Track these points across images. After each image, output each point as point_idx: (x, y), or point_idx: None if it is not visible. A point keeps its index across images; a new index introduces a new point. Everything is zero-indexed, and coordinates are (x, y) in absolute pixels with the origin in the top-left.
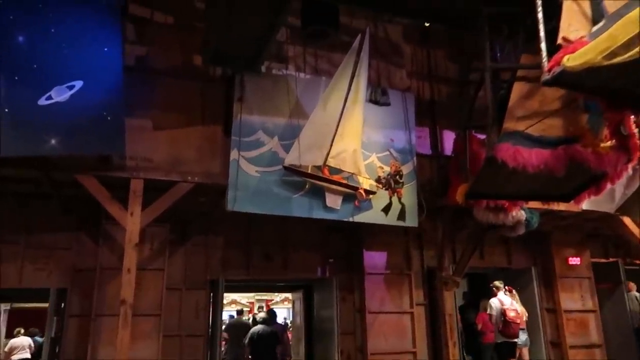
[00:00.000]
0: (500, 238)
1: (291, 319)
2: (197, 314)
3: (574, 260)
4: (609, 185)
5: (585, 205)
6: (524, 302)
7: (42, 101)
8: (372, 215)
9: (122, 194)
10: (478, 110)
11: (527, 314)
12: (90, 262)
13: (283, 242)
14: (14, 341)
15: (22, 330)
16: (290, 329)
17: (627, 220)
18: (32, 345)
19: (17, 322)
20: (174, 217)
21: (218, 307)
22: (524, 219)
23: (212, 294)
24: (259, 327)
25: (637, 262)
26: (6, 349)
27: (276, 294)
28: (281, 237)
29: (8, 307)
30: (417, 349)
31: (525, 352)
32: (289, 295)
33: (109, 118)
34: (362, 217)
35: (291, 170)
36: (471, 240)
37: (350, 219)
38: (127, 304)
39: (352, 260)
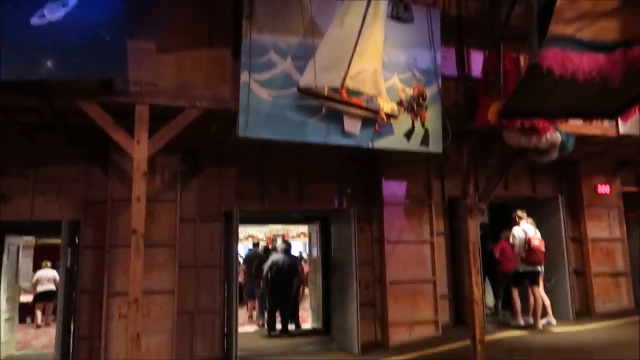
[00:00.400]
0: (525, 166)
1: (307, 251)
2: (212, 245)
3: (603, 189)
4: None
5: (622, 128)
6: (548, 232)
7: (35, 20)
8: (394, 141)
9: (128, 122)
10: (512, 27)
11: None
12: (101, 194)
13: (299, 173)
14: (40, 273)
15: (49, 264)
16: (306, 261)
17: None
18: (57, 277)
19: (43, 257)
20: (184, 148)
21: (233, 238)
22: (559, 141)
23: (226, 226)
24: (278, 256)
25: None
26: (33, 281)
27: (292, 227)
28: (297, 167)
29: (33, 243)
30: (437, 277)
31: (540, 280)
32: (304, 229)
33: (108, 39)
34: (382, 143)
35: (306, 92)
36: (498, 167)
37: (370, 145)
38: (139, 233)
39: (370, 190)
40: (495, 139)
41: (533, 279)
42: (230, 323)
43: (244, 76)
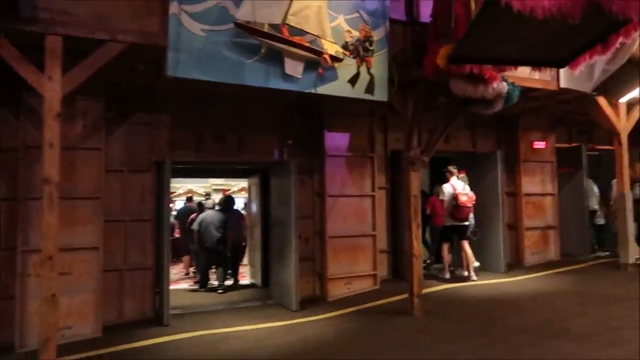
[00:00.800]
0: (466, 121)
1: (248, 205)
2: (143, 198)
3: (539, 145)
4: (619, 42)
5: (563, 82)
6: (486, 187)
7: None
8: (338, 87)
9: (41, 58)
10: None
11: (474, 198)
12: (13, 141)
13: (237, 123)
14: None
15: None
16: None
17: (602, 101)
18: None
19: None
20: (110, 91)
21: (165, 190)
22: (505, 92)
23: (158, 178)
24: (208, 212)
25: (598, 147)
26: None
27: (233, 182)
28: (236, 116)
29: None
30: (377, 232)
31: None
32: (246, 184)
33: None
34: (326, 89)
35: (243, 27)
36: (443, 119)
37: (313, 90)
38: (52, 183)
39: (312, 142)
40: (441, 90)
41: (461, 233)
42: (161, 280)
43: (173, 7)
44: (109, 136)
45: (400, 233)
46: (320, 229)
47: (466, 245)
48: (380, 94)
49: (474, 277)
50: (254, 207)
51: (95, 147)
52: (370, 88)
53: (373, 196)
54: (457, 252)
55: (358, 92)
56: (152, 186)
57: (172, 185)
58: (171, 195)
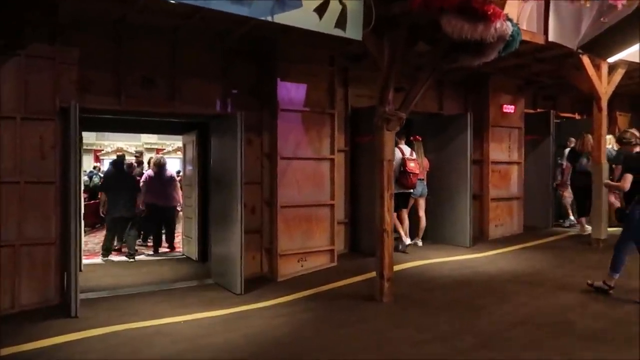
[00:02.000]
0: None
1: (181, 168)
2: (43, 154)
3: (509, 109)
4: None
5: (552, 36)
6: (453, 153)
7: None
8: (301, 17)
9: None
10: None
11: (428, 165)
12: None
13: (170, 65)
14: None
15: None
16: (180, 179)
17: (585, 61)
18: None
19: None
20: (1, 15)
21: (71, 144)
22: (509, 34)
23: (64, 129)
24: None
25: (562, 114)
26: None
27: (168, 142)
28: (168, 56)
29: None
30: (335, 200)
31: (422, 202)
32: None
33: None
34: (285, 18)
35: None
36: (427, 68)
37: (269, 18)
38: None
39: (262, 93)
40: (424, 33)
41: (403, 201)
42: (68, 257)
43: None
44: None
45: (359, 202)
46: (269, 197)
47: (405, 214)
48: (353, 31)
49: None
50: (190, 169)
51: None
52: (341, 21)
53: (332, 160)
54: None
55: (326, 25)
56: (55, 139)
57: (99, 142)
58: (99, 154)
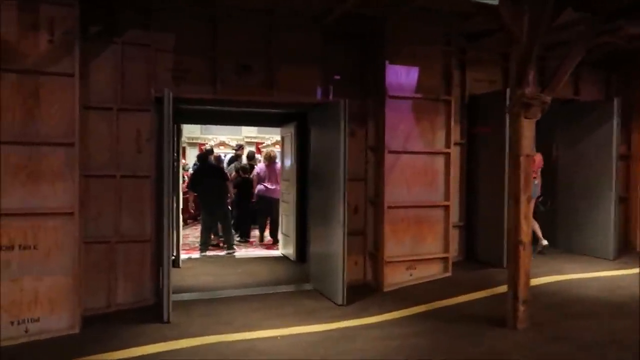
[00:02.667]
0: None
1: (280, 162)
2: (139, 146)
3: None
4: None
5: None
6: (591, 147)
7: None
8: None
9: None
10: None
11: (541, 162)
12: None
13: (267, 50)
14: None
15: None
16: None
17: None
18: None
19: None
20: None
21: (165, 135)
22: None
23: (160, 119)
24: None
25: None
26: None
27: (267, 136)
28: (265, 40)
29: None
30: (451, 201)
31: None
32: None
33: None
34: None
35: None
36: (579, 40)
37: None
38: None
39: (366, 78)
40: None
41: None
42: (162, 257)
43: None
44: (90, 59)
45: (476, 203)
46: (374, 196)
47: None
48: None
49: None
50: (289, 163)
51: (66, 72)
52: None
53: (447, 154)
54: None
55: None
56: (152, 131)
57: (204, 136)
58: (204, 147)
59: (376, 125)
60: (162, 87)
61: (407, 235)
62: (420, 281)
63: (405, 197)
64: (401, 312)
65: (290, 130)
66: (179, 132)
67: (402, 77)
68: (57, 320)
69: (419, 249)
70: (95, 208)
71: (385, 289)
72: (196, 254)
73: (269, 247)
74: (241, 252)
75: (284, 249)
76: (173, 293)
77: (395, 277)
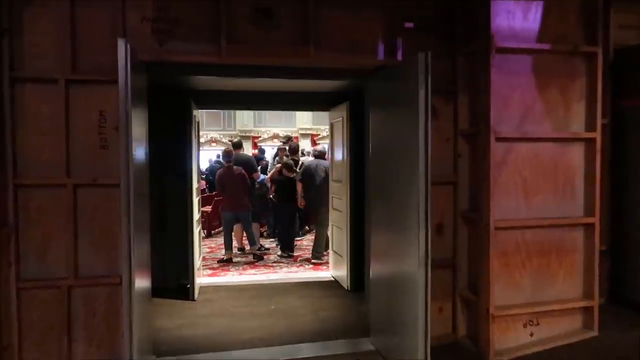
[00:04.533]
0: None
1: (330, 156)
2: (104, 138)
3: None
4: None
5: None
6: None
7: None
8: None
9: None
10: None
11: None
12: None
13: None
14: None
15: None
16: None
17: None
18: None
19: None
20: None
21: (123, 117)
22: None
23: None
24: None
25: None
26: None
27: (323, 127)
28: None
29: None
30: (596, 218)
31: None
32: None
33: None
34: None
35: None
36: None
37: None
38: None
39: (456, 23)
40: None
41: None
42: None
43: None
44: (22, 8)
45: (628, 215)
46: (472, 209)
47: None
48: None
49: None
50: (341, 157)
51: None
52: None
53: (591, 140)
54: None
55: None
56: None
57: (257, 128)
58: (257, 140)
59: (472, 98)
60: (140, 47)
61: (525, 271)
62: (547, 346)
63: (522, 211)
64: None
65: (341, 113)
66: (187, 120)
67: (517, 17)
68: None
69: (544, 294)
70: (36, 235)
71: (492, 358)
72: (223, 276)
73: (317, 264)
74: (281, 272)
75: (335, 269)
76: (166, 356)
77: (507, 339)
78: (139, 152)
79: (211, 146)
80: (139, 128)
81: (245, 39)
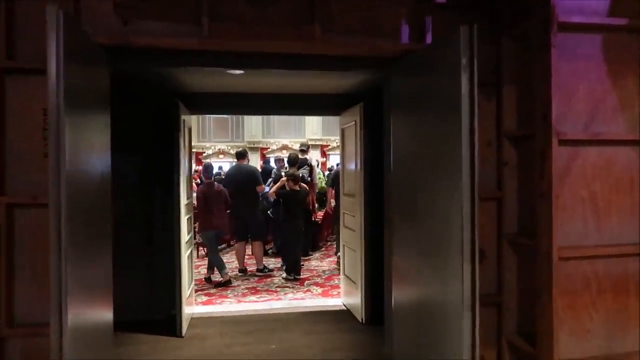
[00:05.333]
0: None
1: (341, 166)
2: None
3: None
4: None
5: None
6: None
7: None
8: None
9: None
10: None
11: None
12: None
13: None
14: None
15: None
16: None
17: None
18: None
19: None
20: None
21: (56, 115)
22: None
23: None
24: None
25: None
26: None
27: (333, 138)
28: None
29: None
30: None
31: None
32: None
33: None
34: None
35: None
36: None
37: None
38: None
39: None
40: None
41: None
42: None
43: None
44: None
45: None
46: (524, 232)
47: None
48: None
49: None
50: (351, 169)
51: None
52: None
53: None
54: None
55: None
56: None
57: (266, 140)
58: (266, 152)
59: (522, 92)
60: (98, 30)
61: (596, 314)
62: None
63: (591, 235)
64: None
65: (353, 117)
66: (174, 125)
67: None
68: None
69: (621, 343)
70: None
71: None
72: (219, 304)
73: (326, 290)
74: (286, 299)
75: (347, 297)
76: None
77: None
78: (93, 164)
79: (219, 158)
80: (94, 134)
81: (234, 16)
